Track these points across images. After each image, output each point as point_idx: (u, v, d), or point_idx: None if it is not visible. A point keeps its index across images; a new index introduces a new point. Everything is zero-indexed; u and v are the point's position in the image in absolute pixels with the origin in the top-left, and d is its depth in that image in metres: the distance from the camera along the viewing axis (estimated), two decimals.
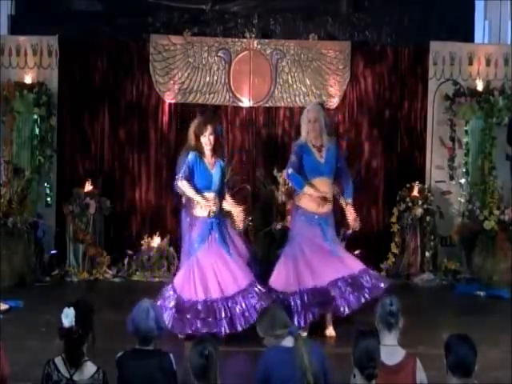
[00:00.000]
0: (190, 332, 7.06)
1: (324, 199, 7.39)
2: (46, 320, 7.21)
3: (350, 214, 7.55)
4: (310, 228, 7.48)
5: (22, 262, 9.35)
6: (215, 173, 7.38)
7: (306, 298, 7.36)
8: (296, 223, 7.65)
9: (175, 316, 7.18)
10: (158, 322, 4.52)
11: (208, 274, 7.26)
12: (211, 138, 7.33)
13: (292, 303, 7.34)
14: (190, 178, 7.30)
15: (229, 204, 7.59)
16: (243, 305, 7.13)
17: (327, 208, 7.50)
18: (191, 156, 7.32)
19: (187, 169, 7.30)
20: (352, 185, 7.63)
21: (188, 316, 7.13)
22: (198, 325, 7.08)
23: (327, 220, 7.54)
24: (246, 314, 7.08)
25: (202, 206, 7.28)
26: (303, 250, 7.47)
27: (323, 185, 7.44)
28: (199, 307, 7.14)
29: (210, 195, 7.31)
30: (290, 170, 7.44)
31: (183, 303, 7.21)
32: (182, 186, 7.28)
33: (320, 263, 7.43)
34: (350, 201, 7.55)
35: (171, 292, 7.33)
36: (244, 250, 7.73)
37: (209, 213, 7.25)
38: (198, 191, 7.29)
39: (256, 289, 7.22)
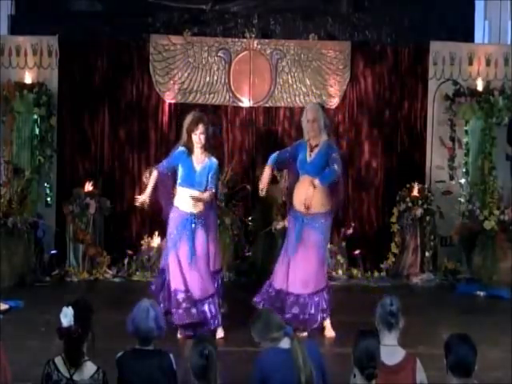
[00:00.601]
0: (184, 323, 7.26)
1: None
2: (45, 320, 7.21)
3: (306, 194, 7.30)
4: (293, 227, 7.53)
5: (22, 262, 9.35)
6: (200, 171, 7.36)
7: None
8: (288, 221, 7.77)
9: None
10: (158, 322, 4.53)
11: (182, 267, 7.34)
12: (202, 137, 7.33)
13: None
14: (165, 172, 7.38)
15: (198, 195, 7.34)
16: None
17: (315, 209, 7.37)
18: (178, 151, 7.40)
19: (166, 163, 7.41)
20: (330, 174, 7.29)
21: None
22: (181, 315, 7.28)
23: (310, 221, 7.41)
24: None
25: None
26: (287, 251, 7.53)
27: (307, 183, 7.38)
28: (179, 297, 7.28)
29: (193, 193, 7.30)
30: (275, 153, 7.59)
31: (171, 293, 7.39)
32: (151, 174, 7.34)
33: (292, 271, 7.48)
34: (316, 183, 7.27)
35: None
36: (213, 258, 7.66)
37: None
38: (157, 187, 7.34)
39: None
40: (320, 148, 7.44)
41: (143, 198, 7.31)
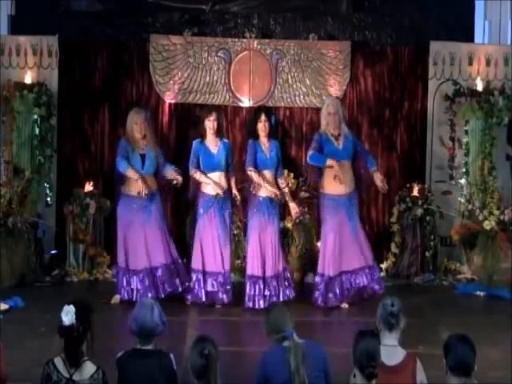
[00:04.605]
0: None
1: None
2: (45, 320, 7.20)
3: (377, 178, 8.52)
4: (336, 211, 8.40)
5: (22, 262, 9.34)
6: (217, 154, 8.44)
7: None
8: (326, 207, 8.51)
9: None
10: (162, 318, 4.55)
11: (206, 245, 8.40)
12: (215, 123, 8.44)
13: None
14: (198, 165, 8.44)
15: (233, 185, 8.57)
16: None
17: (348, 188, 8.43)
18: (195, 144, 8.50)
19: (194, 158, 8.46)
20: (372, 157, 8.74)
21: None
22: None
23: (349, 200, 8.45)
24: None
25: (213, 189, 8.36)
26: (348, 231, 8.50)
27: (342, 168, 8.38)
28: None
29: (215, 175, 8.39)
30: (311, 152, 8.45)
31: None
32: (196, 176, 8.43)
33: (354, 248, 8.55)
34: (374, 168, 8.58)
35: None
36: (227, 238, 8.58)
37: (216, 195, 8.34)
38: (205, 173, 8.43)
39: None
40: (345, 136, 8.50)
41: (219, 190, 8.35)
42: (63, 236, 9.94)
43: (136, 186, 8.32)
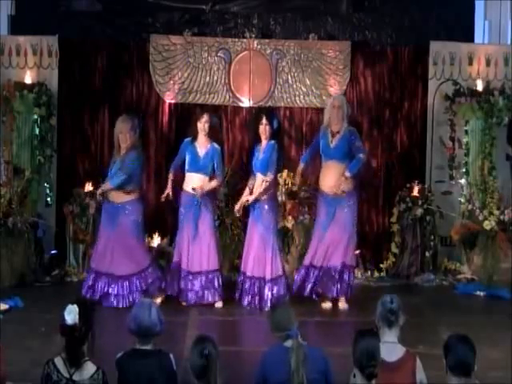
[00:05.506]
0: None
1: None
2: (46, 320, 7.21)
3: (337, 180, 8.21)
4: (324, 211, 8.37)
5: (22, 262, 9.34)
6: (203, 156, 8.36)
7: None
8: (318, 205, 8.58)
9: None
10: (160, 317, 4.56)
11: (183, 245, 8.39)
12: (206, 125, 8.37)
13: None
14: (179, 165, 8.48)
15: (204, 184, 8.34)
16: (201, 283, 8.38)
17: (342, 188, 8.23)
18: (184, 143, 8.50)
19: (179, 158, 8.49)
20: (357, 163, 8.26)
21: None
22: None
23: (340, 202, 8.28)
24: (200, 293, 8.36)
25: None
26: (320, 230, 8.43)
27: (331, 168, 8.32)
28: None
29: (196, 177, 8.33)
30: (304, 153, 8.83)
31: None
32: (168, 177, 8.51)
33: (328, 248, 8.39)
34: (347, 174, 8.21)
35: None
36: (207, 238, 8.41)
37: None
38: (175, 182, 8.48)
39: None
40: (343, 134, 8.30)
41: (166, 193, 8.42)
42: (63, 236, 9.94)
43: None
